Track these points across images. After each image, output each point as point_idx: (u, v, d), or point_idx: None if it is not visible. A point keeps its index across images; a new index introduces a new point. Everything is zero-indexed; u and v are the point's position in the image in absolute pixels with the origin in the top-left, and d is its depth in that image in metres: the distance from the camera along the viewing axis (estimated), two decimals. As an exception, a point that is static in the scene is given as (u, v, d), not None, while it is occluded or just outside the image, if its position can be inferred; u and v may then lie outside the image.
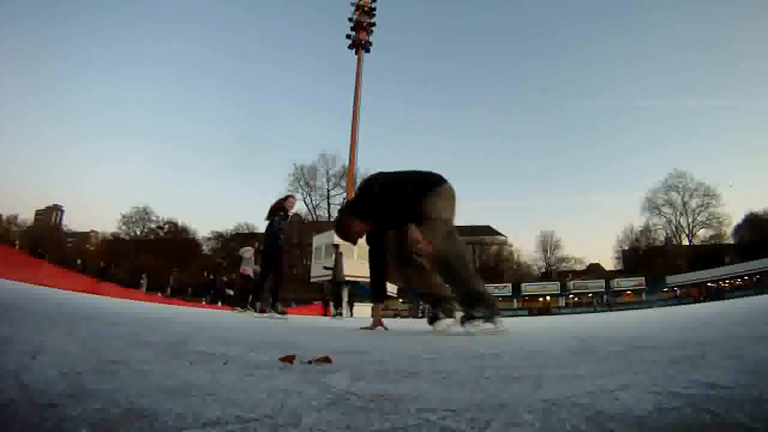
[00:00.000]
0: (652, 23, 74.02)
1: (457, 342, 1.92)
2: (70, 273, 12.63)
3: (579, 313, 29.72)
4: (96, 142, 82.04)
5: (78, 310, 2.86)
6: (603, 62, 77.03)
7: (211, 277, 23.34)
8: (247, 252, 10.31)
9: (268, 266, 6.52)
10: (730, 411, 0.53)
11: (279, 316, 5.98)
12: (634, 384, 0.72)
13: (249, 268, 9.96)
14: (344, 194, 45.05)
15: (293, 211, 6.62)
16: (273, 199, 6.66)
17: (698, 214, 46.07)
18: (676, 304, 25.53)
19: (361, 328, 3.41)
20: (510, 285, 42.32)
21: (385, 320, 3.75)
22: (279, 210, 6.44)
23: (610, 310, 28.32)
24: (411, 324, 6.71)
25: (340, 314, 10.13)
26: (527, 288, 42.25)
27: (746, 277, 34.92)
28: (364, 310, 23.49)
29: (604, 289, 40.26)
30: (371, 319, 3.47)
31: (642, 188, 72.91)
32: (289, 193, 6.88)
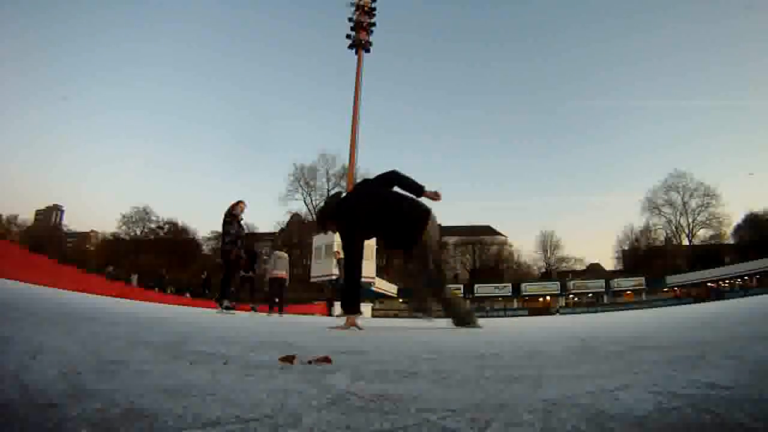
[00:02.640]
0: (653, 23, 74.08)
1: (457, 342, 1.92)
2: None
3: (578, 313, 29.73)
4: (96, 142, 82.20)
5: (78, 310, 2.86)
6: (603, 62, 77.03)
7: (204, 276, 23.65)
8: (281, 255, 10.06)
9: (232, 267, 7.04)
10: (730, 411, 0.53)
11: (227, 311, 6.59)
12: (634, 384, 0.72)
13: (284, 271, 9.72)
14: (344, 194, 45.06)
15: (243, 214, 7.12)
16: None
17: (698, 214, 46.07)
18: (676, 304, 25.52)
19: (331, 328, 3.31)
20: (510, 285, 42.29)
21: (385, 320, 3.79)
22: (233, 217, 7.00)
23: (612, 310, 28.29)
24: (410, 324, 6.70)
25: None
26: (527, 288, 42.21)
27: (746, 277, 34.91)
28: (363, 310, 23.49)
29: (604, 289, 40.24)
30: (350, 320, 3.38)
31: (642, 188, 72.85)
32: (239, 200, 7.15)
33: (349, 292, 3.21)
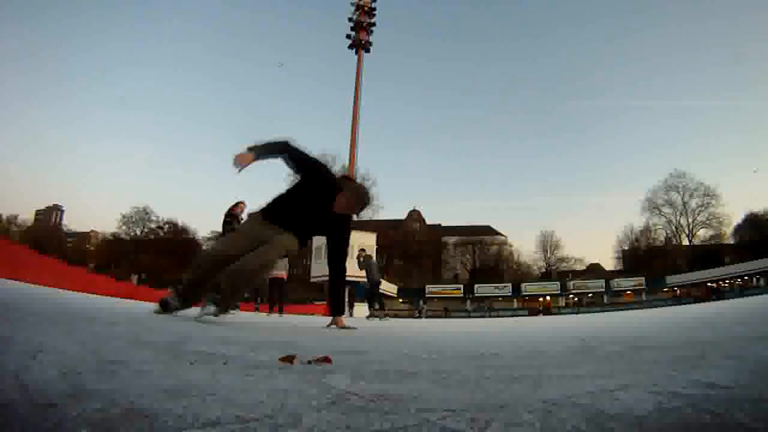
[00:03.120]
0: (652, 23, 74.07)
1: (457, 342, 1.93)
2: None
3: (578, 313, 29.71)
4: (96, 142, 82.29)
5: (78, 310, 2.86)
6: (603, 62, 77.05)
7: None
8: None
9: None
10: (730, 411, 0.53)
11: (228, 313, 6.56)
12: (634, 384, 0.72)
13: (283, 271, 9.73)
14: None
15: (244, 214, 7.22)
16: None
17: (698, 214, 46.09)
18: (676, 304, 25.50)
19: (326, 326, 3.36)
20: (510, 285, 42.28)
21: (385, 320, 3.79)
22: (233, 217, 7.10)
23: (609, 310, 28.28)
24: (410, 324, 6.71)
25: (386, 316, 9.60)
26: (527, 288, 42.21)
27: (746, 277, 34.90)
28: (364, 310, 23.52)
29: (604, 289, 40.23)
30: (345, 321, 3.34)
31: (642, 188, 72.94)
32: (239, 199, 7.29)
33: (339, 295, 3.28)
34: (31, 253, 9.63)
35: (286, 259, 9.99)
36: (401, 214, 57.48)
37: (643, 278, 39.44)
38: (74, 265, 13.82)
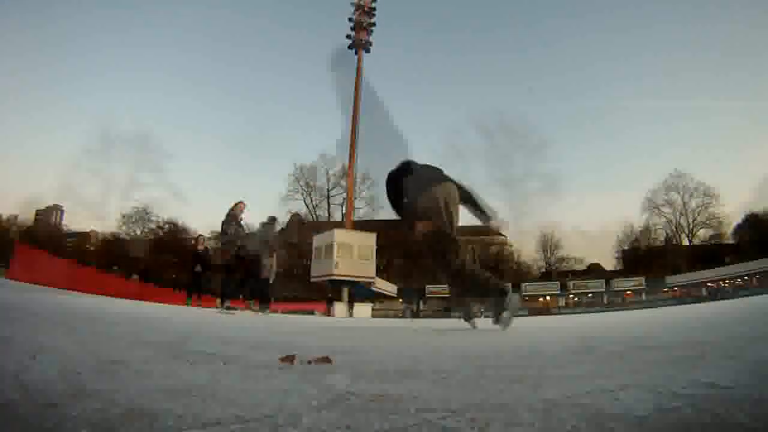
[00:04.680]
0: (653, 23, 74.10)
1: (457, 342, 1.93)
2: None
3: (578, 313, 29.70)
4: (96, 142, 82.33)
5: (78, 310, 2.86)
6: (603, 62, 77.02)
7: (174, 276, 24.00)
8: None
9: (233, 268, 7.38)
10: (730, 411, 0.53)
11: (227, 311, 6.69)
12: (634, 384, 0.72)
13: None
14: (344, 194, 45.12)
15: (244, 214, 7.34)
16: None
17: (698, 214, 46.07)
18: (676, 304, 25.49)
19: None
20: (510, 285, 42.20)
21: (385, 320, 3.78)
22: (232, 217, 7.22)
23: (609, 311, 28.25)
24: (410, 324, 6.72)
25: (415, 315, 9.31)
26: (527, 288, 42.19)
27: (746, 277, 34.89)
28: (363, 310, 23.53)
29: (604, 289, 40.22)
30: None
31: (642, 188, 72.88)
32: (239, 200, 7.40)
33: None
34: (48, 258, 9.67)
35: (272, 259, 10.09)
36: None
37: (643, 278, 39.42)
38: (83, 265, 13.90)
